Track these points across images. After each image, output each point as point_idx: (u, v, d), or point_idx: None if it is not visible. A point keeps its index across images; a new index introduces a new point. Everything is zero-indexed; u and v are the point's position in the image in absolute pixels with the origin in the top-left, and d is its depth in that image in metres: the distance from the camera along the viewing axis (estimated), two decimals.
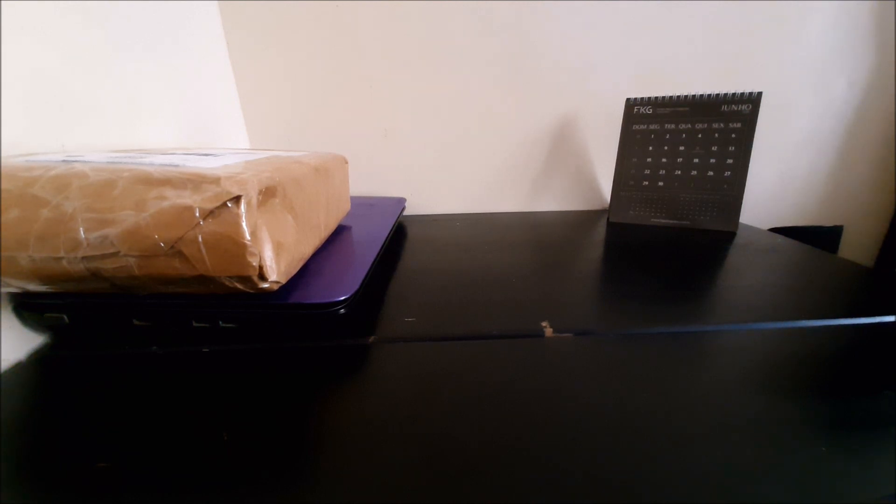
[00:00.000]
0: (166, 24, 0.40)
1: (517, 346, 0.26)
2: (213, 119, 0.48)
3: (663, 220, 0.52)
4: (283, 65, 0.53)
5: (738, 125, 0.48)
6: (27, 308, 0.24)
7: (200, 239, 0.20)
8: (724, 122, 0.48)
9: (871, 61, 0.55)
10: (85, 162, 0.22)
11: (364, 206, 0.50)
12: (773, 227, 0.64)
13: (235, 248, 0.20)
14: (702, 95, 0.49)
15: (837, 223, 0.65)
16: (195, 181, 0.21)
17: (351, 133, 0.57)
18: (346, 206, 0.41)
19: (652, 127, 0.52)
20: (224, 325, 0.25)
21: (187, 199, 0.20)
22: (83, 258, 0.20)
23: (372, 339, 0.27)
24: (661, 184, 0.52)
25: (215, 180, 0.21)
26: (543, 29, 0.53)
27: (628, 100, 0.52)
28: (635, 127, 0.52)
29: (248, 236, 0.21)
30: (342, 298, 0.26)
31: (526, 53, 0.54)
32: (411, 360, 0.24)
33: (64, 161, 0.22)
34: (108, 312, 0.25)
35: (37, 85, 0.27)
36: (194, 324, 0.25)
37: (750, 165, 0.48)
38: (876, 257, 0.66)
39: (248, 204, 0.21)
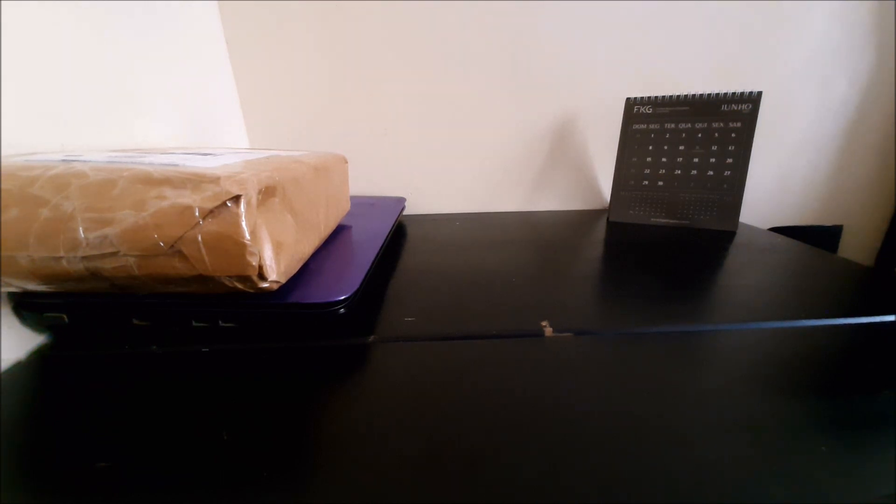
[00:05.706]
0: (166, 24, 0.40)
1: (517, 346, 0.26)
2: (212, 119, 0.48)
3: (663, 220, 0.52)
4: (283, 65, 0.53)
5: (738, 125, 0.48)
6: (27, 308, 0.24)
7: (200, 238, 0.20)
8: (724, 122, 0.48)
9: (871, 61, 0.55)
10: (84, 161, 0.22)
11: (364, 205, 0.50)
12: (772, 226, 0.64)
13: (235, 247, 0.20)
14: (702, 95, 0.49)
15: (837, 223, 0.65)
16: (195, 181, 0.20)
17: (351, 133, 0.57)
18: (346, 206, 0.41)
19: (652, 126, 0.51)
20: (224, 324, 0.25)
21: (187, 198, 0.20)
22: (83, 258, 0.20)
23: (372, 338, 0.27)
24: (660, 183, 0.52)
25: (215, 180, 0.21)
26: (543, 28, 0.53)
27: (628, 99, 0.52)
28: (635, 126, 0.52)
29: (247, 236, 0.21)
30: (342, 298, 0.26)
31: (526, 53, 0.54)
32: (411, 360, 0.24)
33: (63, 161, 0.22)
34: (108, 312, 0.25)
35: (37, 85, 0.27)
36: (194, 323, 0.25)
37: (750, 165, 0.48)
38: (876, 257, 0.66)
39: (248, 203, 0.21)
